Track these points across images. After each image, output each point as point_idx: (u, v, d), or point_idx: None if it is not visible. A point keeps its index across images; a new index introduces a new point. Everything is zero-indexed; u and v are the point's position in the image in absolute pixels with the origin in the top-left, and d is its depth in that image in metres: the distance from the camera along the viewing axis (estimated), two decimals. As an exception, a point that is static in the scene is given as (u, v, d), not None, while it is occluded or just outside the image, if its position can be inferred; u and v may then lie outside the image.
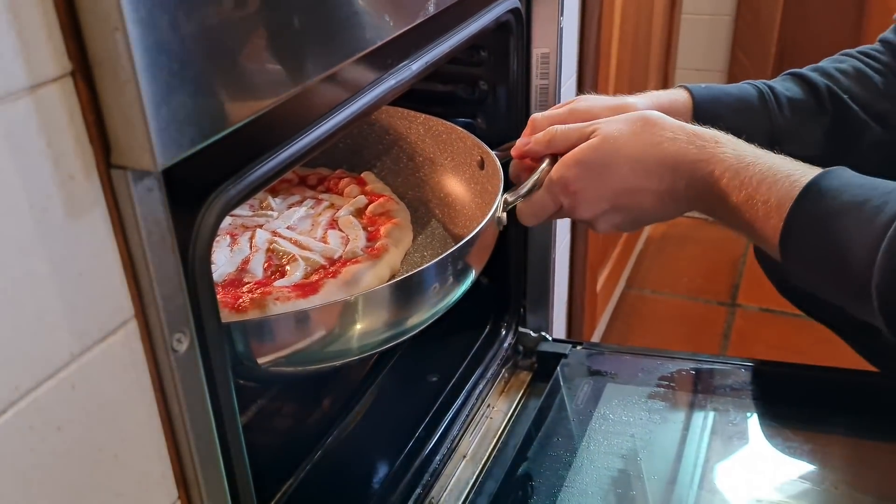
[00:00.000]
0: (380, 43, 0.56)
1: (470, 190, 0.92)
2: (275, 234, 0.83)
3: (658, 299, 2.00)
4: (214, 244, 0.81)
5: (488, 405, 1.12)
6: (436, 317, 0.73)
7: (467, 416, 1.05)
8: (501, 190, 0.78)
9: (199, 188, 0.48)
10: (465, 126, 1.05)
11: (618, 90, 1.45)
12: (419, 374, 1.09)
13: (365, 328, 0.65)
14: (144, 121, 0.37)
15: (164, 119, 0.38)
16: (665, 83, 2.00)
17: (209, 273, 0.50)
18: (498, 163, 0.84)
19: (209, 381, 0.51)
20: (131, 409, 0.43)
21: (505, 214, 0.77)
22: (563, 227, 1.34)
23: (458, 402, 1.05)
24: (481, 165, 0.89)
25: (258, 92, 0.44)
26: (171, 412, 0.46)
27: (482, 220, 0.73)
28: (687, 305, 1.97)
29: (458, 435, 1.03)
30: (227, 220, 0.88)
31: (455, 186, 0.94)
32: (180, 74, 0.38)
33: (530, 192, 0.76)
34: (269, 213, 0.89)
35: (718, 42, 2.07)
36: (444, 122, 0.95)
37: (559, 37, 1.04)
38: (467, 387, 1.07)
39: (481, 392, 1.09)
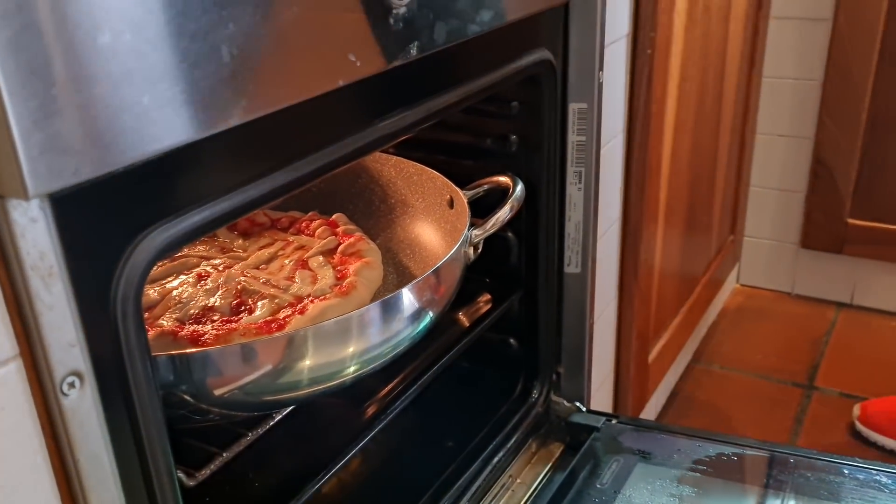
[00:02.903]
0: (342, 84, 0.53)
1: (440, 229, 0.91)
2: (243, 274, 0.82)
3: (727, 376, 1.87)
4: (183, 282, 0.84)
5: (510, 476, 1.06)
6: (399, 351, 0.71)
7: (480, 485, 0.98)
8: (468, 224, 0.80)
9: (122, 226, 0.45)
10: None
11: (677, 152, 1.38)
12: (432, 436, 1.04)
13: (325, 359, 0.65)
14: (12, 145, 0.35)
15: (37, 146, 0.36)
16: (742, 148, 1.90)
17: (137, 315, 0.48)
18: (465, 200, 0.85)
19: (135, 432, 0.48)
20: (10, 455, 0.41)
21: (472, 249, 0.80)
22: (606, 292, 1.27)
23: (473, 469, 0.98)
24: (451, 205, 0.89)
25: (167, 128, 0.41)
26: (65, 462, 0.43)
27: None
28: (758, 384, 1.83)
29: (468, 506, 0.96)
30: (195, 260, 0.88)
31: (425, 227, 0.94)
32: (59, 100, 0.36)
33: (496, 226, 0.81)
34: (239, 254, 0.88)
35: (805, 107, 1.97)
36: (415, 164, 0.95)
37: (598, 92, 1.00)
38: (485, 454, 1.01)
39: (501, 460, 1.03)
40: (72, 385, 0.42)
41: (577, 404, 1.14)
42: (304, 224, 0.97)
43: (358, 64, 0.54)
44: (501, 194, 0.89)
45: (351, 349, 0.68)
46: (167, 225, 0.48)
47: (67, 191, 0.39)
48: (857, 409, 1.68)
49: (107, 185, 0.42)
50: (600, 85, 1.00)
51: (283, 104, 0.49)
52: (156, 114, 0.41)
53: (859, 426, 1.65)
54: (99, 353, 0.44)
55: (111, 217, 0.44)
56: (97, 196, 0.42)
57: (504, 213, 0.83)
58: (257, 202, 0.53)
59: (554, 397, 1.14)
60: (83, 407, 0.43)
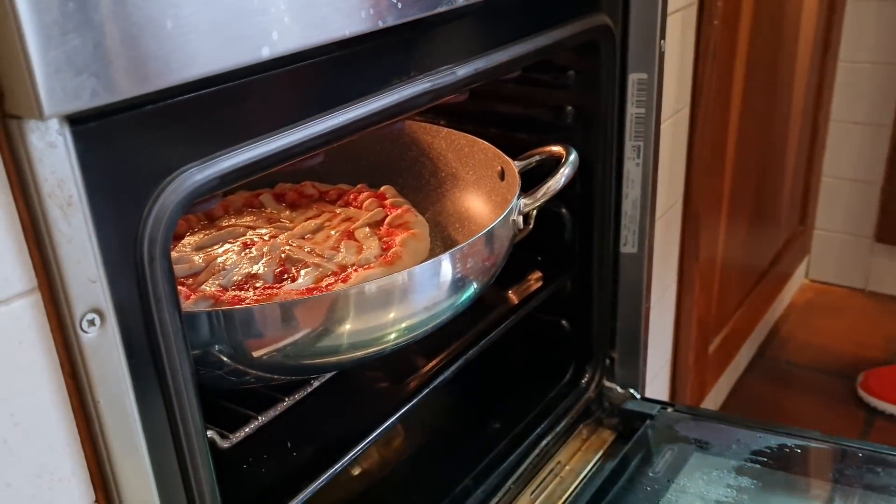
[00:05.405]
0: (383, 26, 0.51)
1: (490, 202, 0.88)
2: (288, 243, 0.81)
3: (794, 373, 1.79)
4: (228, 250, 0.83)
5: (558, 462, 1.02)
6: (441, 322, 0.69)
7: (526, 469, 0.95)
8: (518, 193, 0.77)
9: (151, 164, 0.44)
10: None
11: (744, 132, 1.32)
12: (478, 417, 1.01)
13: (366, 324, 0.63)
14: (27, 60, 0.34)
15: (53, 62, 0.34)
16: (814, 135, 1.82)
17: (165, 260, 0.46)
18: (516, 170, 0.82)
19: (161, 382, 0.46)
20: (27, 392, 0.39)
21: (521, 219, 0.76)
22: (665, 276, 1.22)
23: (518, 452, 0.95)
24: (502, 176, 0.86)
25: (192, 57, 0.40)
26: (85, 404, 0.42)
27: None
28: (828, 383, 1.75)
29: (514, 490, 0.93)
30: (242, 229, 0.87)
31: (475, 201, 0.90)
32: (77, 14, 0.34)
33: (547, 195, 0.77)
34: (285, 224, 0.87)
35: (884, 92, 1.87)
36: (466, 135, 0.92)
37: (659, 61, 0.95)
38: (531, 438, 0.98)
39: (548, 445, 0.99)
40: (91, 322, 0.40)
41: (632, 391, 1.09)
42: (351, 196, 0.95)
43: (399, 6, 0.51)
44: (554, 165, 0.86)
45: (392, 314, 0.66)
46: (199, 166, 0.46)
47: (88, 115, 0.37)
48: (860, 377, 1.72)
49: (135, 118, 0.40)
50: (662, 54, 0.95)
51: (317, 40, 0.46)
52: (180, 40, 0.39)
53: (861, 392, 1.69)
54: (122, 293, 0.42)
55: (139, 152, 0.42)
56: (124, 128, 0.40)
57: (556, 182, 0.79)
58: (294, 150, 0.51)
59: (607, 383, 1.10)
60: (104, 346, 0.41)
